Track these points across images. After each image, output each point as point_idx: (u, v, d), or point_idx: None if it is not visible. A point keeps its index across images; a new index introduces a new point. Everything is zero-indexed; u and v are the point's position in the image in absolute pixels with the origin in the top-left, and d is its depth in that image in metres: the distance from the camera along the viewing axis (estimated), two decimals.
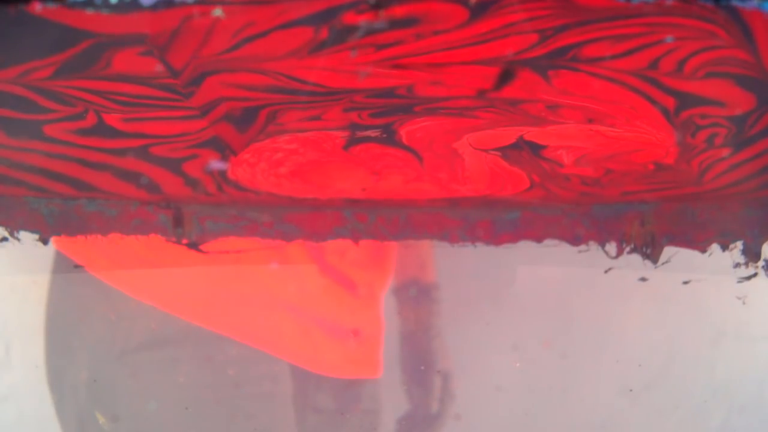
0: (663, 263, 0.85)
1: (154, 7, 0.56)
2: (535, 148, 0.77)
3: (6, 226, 0.84)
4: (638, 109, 0.66)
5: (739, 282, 0.85)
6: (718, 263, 0.83)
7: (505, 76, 0.65)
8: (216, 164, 0.77)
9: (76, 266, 0.92)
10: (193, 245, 0.86)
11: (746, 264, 0.83)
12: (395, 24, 0.58)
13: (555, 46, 0.61)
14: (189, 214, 0.85)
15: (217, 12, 0.57)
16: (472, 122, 0.73)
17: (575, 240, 0.86)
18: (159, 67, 0.63)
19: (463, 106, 0.70)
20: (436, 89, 0.67)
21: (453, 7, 0.57)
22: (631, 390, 0.96)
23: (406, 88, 0.67)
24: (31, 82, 0.66)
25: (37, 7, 0.57)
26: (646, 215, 0.84)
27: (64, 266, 0.93)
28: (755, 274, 0.84)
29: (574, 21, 0.59)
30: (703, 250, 0.84)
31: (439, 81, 0.66)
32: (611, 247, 0.85)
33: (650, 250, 0.84)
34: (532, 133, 0.74)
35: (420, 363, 0.99)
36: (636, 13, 0.57)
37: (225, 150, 0.75)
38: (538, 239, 0.86)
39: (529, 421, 0.96)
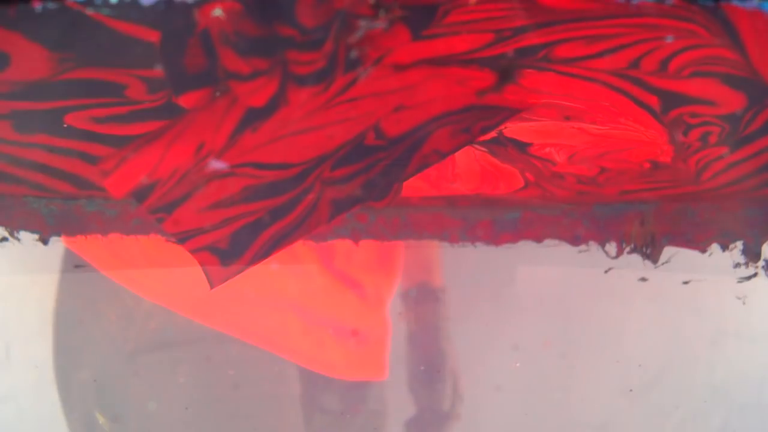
0: (663, 263, 0.84)
1: (154, 7, 0.56)
2: (520, 146, 0.76)
3: (6, 226, 0.84)
4: (618, 107, 0.66)
5: (739, 282, 0.85)
6: (718, 263, 0.83)
7: (505, 77, 0.64)
8: (216, 164, 0.77)
9: (77, 266, 0.92)
10: None
11: (746, 264, 0.83)
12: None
13: (522, 44, 0.60)
14: None
15: (217, 12, 0.57)
16: None
17: (575, 240, 0.86)
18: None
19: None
20: (400, 114, 0.65)
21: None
22: (631, 390, 0.95)
23: (373, 129, 0.65)
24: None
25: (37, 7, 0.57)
26: (646, 215, 0.84)
27: (70, 264, 0.93)
28: (755, 274, 0.84)
29: (545, 20, 0.58)
30: (703, 250, 0.84)
31: (401, 106, 0.63)
32: (611, 247, 0.85)
33: (650, 250, 0.84)
34: (511, 130, 0.74)
35: (424, 364, 0.99)
36: (619, 13, 0.57)
37: None
38: (538, 239, 0.86)
39: (529, 421, 0.96)
